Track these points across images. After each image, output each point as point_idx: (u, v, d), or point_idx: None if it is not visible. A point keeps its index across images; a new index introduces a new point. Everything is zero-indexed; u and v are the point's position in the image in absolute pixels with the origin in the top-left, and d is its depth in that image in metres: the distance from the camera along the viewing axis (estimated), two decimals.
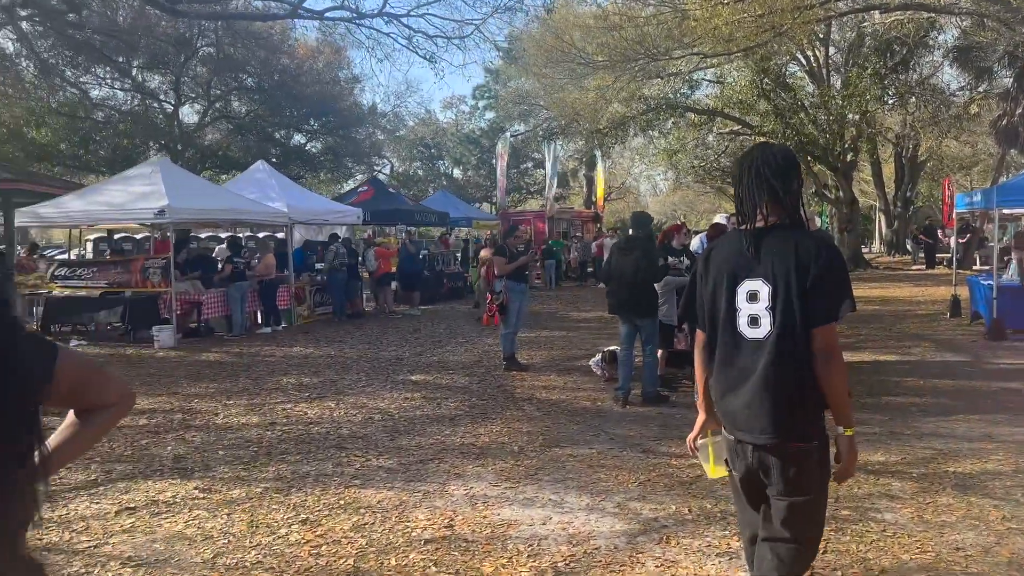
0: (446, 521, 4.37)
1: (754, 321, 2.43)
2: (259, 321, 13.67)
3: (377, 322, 14.65)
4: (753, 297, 2.42)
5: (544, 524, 4.31)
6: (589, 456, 5.63)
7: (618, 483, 5.02)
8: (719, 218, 9.49)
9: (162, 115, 29.21)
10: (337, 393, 8.07)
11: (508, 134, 31.95)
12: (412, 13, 17.01)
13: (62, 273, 12.41)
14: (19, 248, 14.85)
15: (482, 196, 45.85)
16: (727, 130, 32.18)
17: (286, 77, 28.39)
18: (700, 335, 2.67)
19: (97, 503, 4.70)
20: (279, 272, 14.03)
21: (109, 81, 26.98)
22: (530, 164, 45.97)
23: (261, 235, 15.88)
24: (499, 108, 40.76)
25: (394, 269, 16.54)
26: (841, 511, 4.35)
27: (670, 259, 8.08)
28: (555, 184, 26.43)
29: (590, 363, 8.79)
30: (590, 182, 38.97)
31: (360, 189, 20.56)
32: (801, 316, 2.33)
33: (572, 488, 4.92)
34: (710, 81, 31.13)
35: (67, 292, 12.57)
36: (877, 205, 39.79)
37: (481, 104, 43.76)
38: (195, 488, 4.98)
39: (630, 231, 7.94)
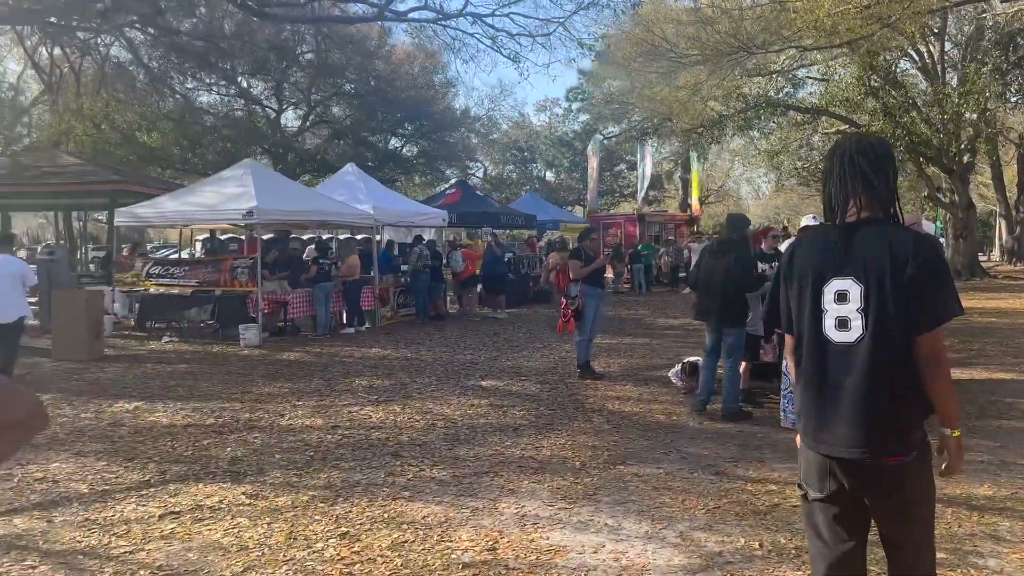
0: (490, 543, 4.07)
1: (843, 324, 2.23)
2: (343, 321, 13.79)
3: (458, 325, 14.54)
4: (842, 298, 2.23)
5: (595, 552, 3.96)
6: (655, 476, 5.23)
7: (684, 509, 4.61)
8: (807, 220, 8.80)
9: (265, 120, 30.28)
10: (405, 397, 7.92)
11: (599, 136, 31.44)
12: (496, 12, 16.84)
13: (156, 272, 12.87)
14: (123, 246, 15.54)
15: (574, 199, 45.46)
16: (833, 130, 30.63)
17: (381, 82, 28.90)
18: (790, 340, 2.47)
19: (144, 505, 4.66)
20: (364, 273, 14.14)
21: (215, 88, 28.17)
22: (624, 166, 45.26)
23: (343, 237, 16.05)
24: (592, 110, 40.26)
25: (479, 271, 16.43)
26: (938, 552, 3.80)
27: (760, 265, 7.54)
28: (647, 186, 25.77)
29: (669, 374, 8.32)
30: (686, 184, 37.95)
31: (447, 192, 20.60)
32: (898, 319, 2.15)
33: (632, 512, 4.54)
34: (814, 79, 29.71)
35: (161, 290, 13.01)
36: (997, 210, 37.06)
37: (574, 106, 43.37)
38: (243, 493, 4.88)
39: (724, 235, 7.49)
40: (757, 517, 4.46)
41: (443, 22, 16.40)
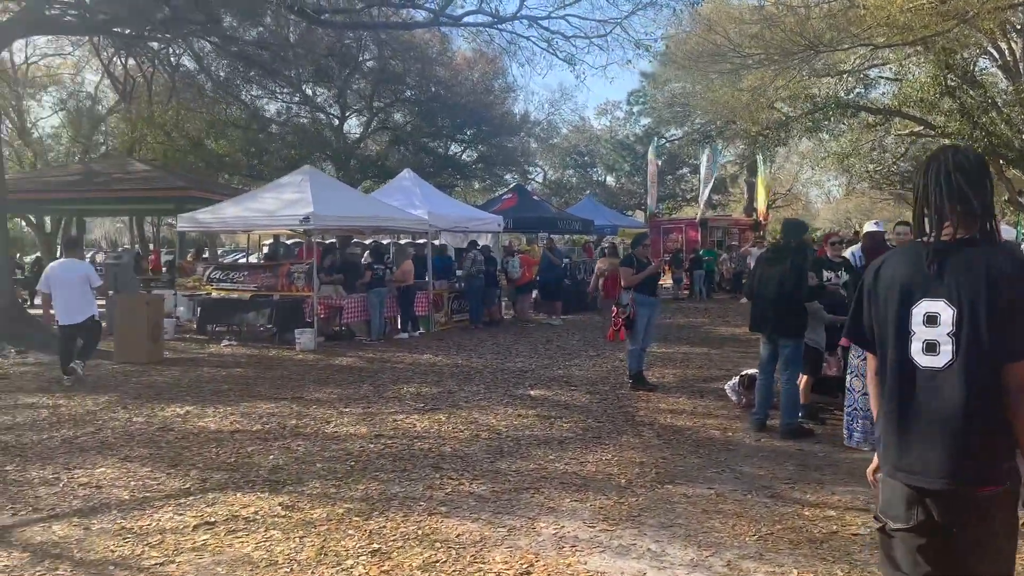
0: (524, 566, 3.89)
1: (931, 348, 2.14)
2: (398, 327, 13.80)
3: (512, 331, 14.40)
4: (932, 320, 2.14)
5: None
6: (705, 498, 4.96)
7: (734, 534, 4.34)
8: (871, 226, 8.38)
9: (328, 127, 30.77)
10: (452, 405, 7.80)
11: (658, 139, 30.92)
12: (552, 15, 16.65)
13: (216, 276, 13.09)
14: (189, 251, 15.90)
15: (635, 203, 44.84)
16: (906, 131, 29.43)
17: (442, 88, 29.03)
18: (872, 360, 2.36)
19: (181, 514, 4.63)
20: (418, 279, 14.15)
21: (279, 95, 28.75)
22: (687, 170, 44.47)
23: (403, 241, 16.09)
24: (653, 113, 39.68)
25: (535, 277, 16.26)
26: None
27: (825, 274, 7.18)
28: (708, 190, 25.21)
29: (726, 387, 8.00)
30: (751, 188, 37.04)
31: (504, 196, 20.52)
32: (990, 345, 2.05)
33: (678, 536, 4.29)
34: (887, 79, 28.61)
35: (222, 294, 13.25)
36: None
37: (635, 109, 42.82)
38: (279, 504, 4.81)
39: (780, 241, 7.17)
40: (812, 546, 4.16)
41: (498, 26, 16.30)
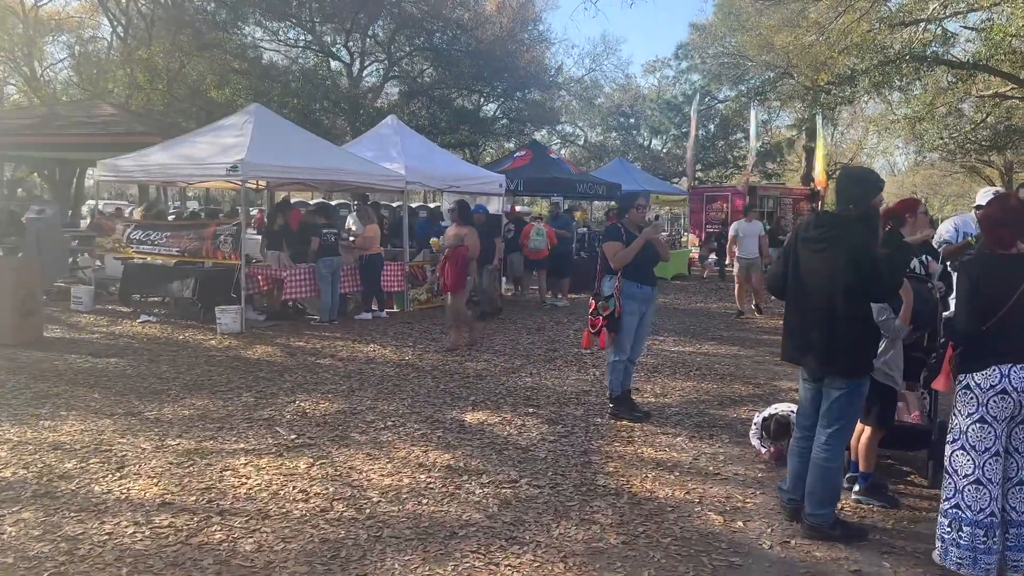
0: None
1: None
2: (375, 305, 11.30)
3: (504, 314, 11.79)
4: None
5: None
6: None
7: None
8: (986, 194, 5.46)
9: (339, 76, 28.22)
10: (337, 439, 5.31)
11: (705, 97, 27.63)
12: None
13: (137, 236, 10.78)
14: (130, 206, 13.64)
15: (683, 171, 41.49)
16: (990, 92, 25.72)
17: (463, 33, 26.07)
18: None
19: None
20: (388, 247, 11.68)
21: (286, 39, 26.31)
22: (741, 135, 40.86)
23: (395, 205, 13.48)
24: (703, 67, 36.08)
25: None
26: None
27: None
28: (755, 153, 22.08)
29: (750, 434, 5.33)
30: (809, 154, 33.49)
31: (516, 155, 17.76)
32: None
33: None
34: (971, 28, 24.83)
35: (147, 259, 10.96)
36: None
37: (684, 65, 39.16)
38: None
39: (833, 207, 4.28)
40: None
41: None
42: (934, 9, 20.53)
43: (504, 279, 14.39)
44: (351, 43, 26.68)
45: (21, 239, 11.94)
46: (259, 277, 10.48)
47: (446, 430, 5.59)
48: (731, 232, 12.26)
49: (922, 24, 21.68)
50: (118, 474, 4.50)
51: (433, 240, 11.38)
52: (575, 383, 7.27)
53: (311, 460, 4.85)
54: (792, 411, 4.74)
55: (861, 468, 4.40)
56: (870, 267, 3.72)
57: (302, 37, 26.18)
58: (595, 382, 7.25)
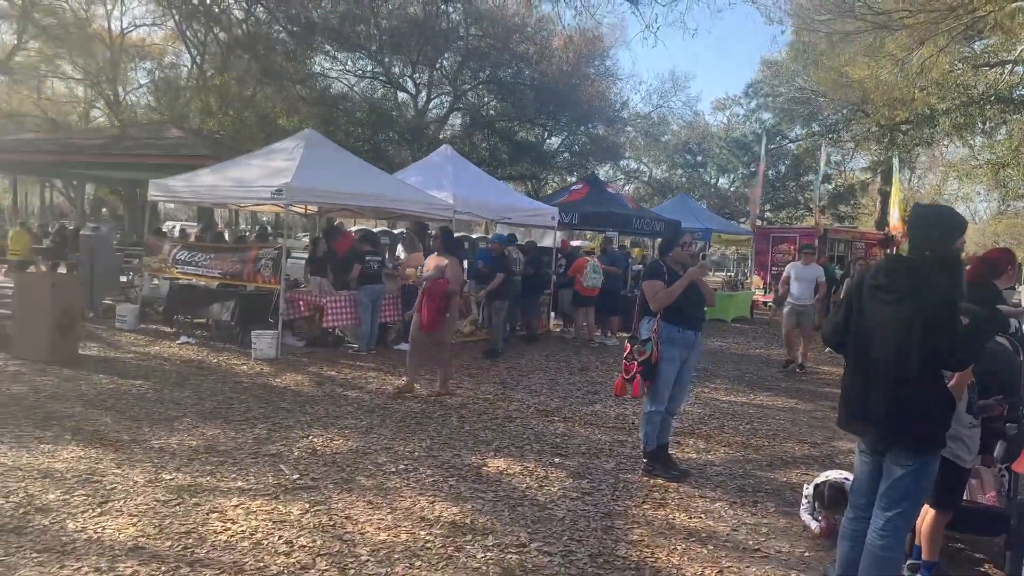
0: None
1: None
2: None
3: (547, 351, 11.32)
4: None
5: None
6: None
7: None
8: None
9: (409, 107, 28.48)
10: (342, 483, 4.91)
11: (775, 135, 26.76)
12: None
13: (182, 257, 10.74)
14: (190, 226, 13.74)
15: (749, 210, 40.42)
16: None
17: (527, 67, 25.99)
18: None
19: None
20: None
21: (351, 67, 26.71)
22: (812, 176, 39.64)
23: (398, 230, 13.29)
24: (775, 105, 35.17)
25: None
26: None
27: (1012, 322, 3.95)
28: (821, 190, 21.17)
29: (800, 507, 4.73)
30: (884, 199, 32.17)
31: (573, 187, 17.38)
32: None
33: None
34: None
35: (191, 280, 10.91)
36: None
37: (754, 103, 38.30)
38: None
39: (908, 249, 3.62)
40: None
41: None
42: (1022, 51, 19.48)
43: (553, 314, 13.97)
44: (417, 74, 26.90)
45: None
46: (300, 303, 10.28)
47: (460, 478, 5.14)
48: (784, 273, 11.19)
49: (1008, 66, 20.61)
50: (99, 510, 4.19)
51: (409, 270, 10.64)
52: (611, 431, 6.73)
53: (306, 505, 4.46)
54: (845, 479, 4.14)
55: (924, 555, 3.77)
56: (948, 328, 3.13)
57: (370, 67, 26.50)
58: (633, 431, 6.70)
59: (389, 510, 4.47)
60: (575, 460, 5.74)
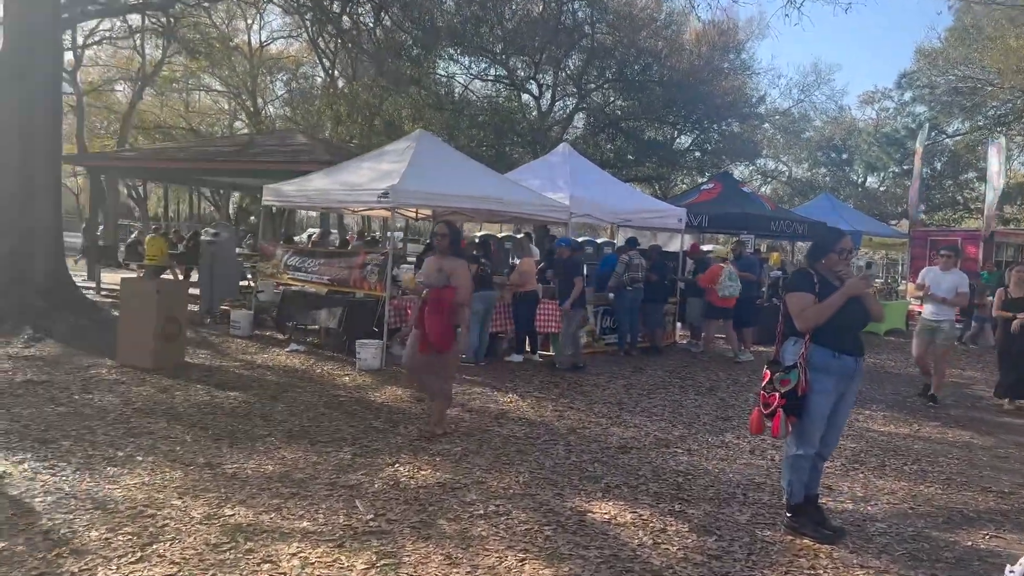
0: None
1: None
2: (528, 346, 10.31)
3: (670, 366, 10.29)
4: None
5: None
6: None
7: None
8: None
9: (533, 109, 27.95)
10: (420, 527, 4.21)
11: (932, 130, 24.18)
12: None
13: (293, 263, 10.52)
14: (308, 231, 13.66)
15: (903, 212, 37.15)
16: None
17: (655, 62, 24.78)
18: None
19: None
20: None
21: (474, 71, 26.43)
22: (973, 174, 36.02)
23: (519, 235, 12.54)
24: (931, 97, 32.04)
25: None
26: None
27: None
28: (997, 195, 18.82)
29: None
30: None
31: (704, 187, 16.13)
32: None
33: None
34: None
35: (302, 286, 10.67)
36: None
37: (907, 95, 35.10)
38: None
39: None
40: None
41: None
42: None
43: (680, 324, 12.86)
44: (540, 75, 26.29)
45: None
46: (408, 310, 9.78)
47: (559, 526, 4.31)
48: (918, 279, 9.07)
49: None
50: (138, 555, 3.67)
51: (407, 276, 9.34)
52: (744, 469, 5.70)
53: (373, 557, 3.77)
54: None
55: None
56: None
57: (492, 70, 26.15)
58: (772, 470, 5.65)
59: (469, 568, 3.71)
60: (700, 508, 4.78)
